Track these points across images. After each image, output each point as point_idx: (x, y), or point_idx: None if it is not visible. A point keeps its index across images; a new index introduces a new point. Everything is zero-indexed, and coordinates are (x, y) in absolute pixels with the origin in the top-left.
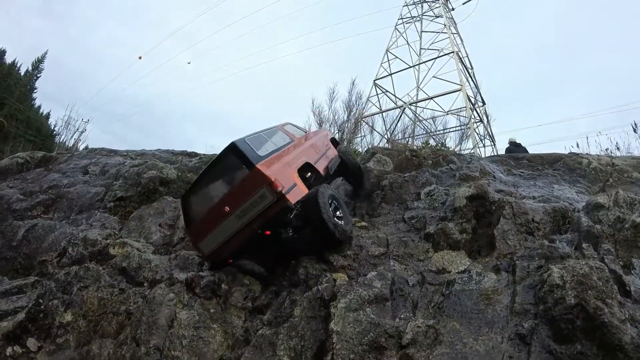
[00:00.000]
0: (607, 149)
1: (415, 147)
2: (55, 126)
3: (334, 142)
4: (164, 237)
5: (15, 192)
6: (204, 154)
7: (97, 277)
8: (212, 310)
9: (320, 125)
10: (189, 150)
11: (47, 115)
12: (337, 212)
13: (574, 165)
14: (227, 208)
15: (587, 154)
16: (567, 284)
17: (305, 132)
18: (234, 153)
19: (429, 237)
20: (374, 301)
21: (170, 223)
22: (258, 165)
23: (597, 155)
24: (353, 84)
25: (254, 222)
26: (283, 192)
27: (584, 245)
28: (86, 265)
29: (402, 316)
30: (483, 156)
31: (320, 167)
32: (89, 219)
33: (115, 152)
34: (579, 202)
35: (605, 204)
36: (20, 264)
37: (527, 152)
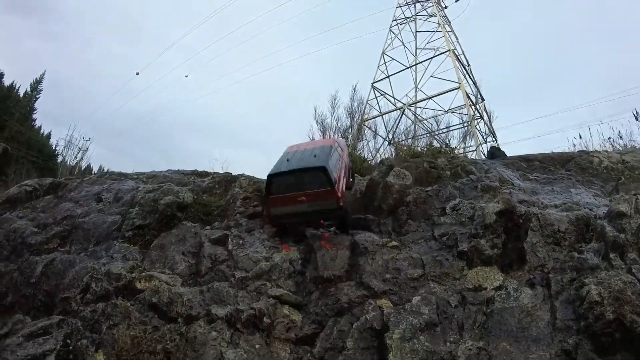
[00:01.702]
0: (609, 138)
1: (420, 149)
2: (56, 146)
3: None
4: (190, 267)
5: (28, 224)
6: (215, 173)
7: (127, 314)
8: (257, 346)
9: (323, 133)
10: (199, 169)
11: (48, 136)
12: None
13: (586, 165)
14: (303, 198)
15: (596, 151)
16: (605, 300)
17: (342, 150)
18: (325, 174)
19: (462, 255)
20: (425, 328)
21: (194, 251)
22: (335, 188)
23: (606, 151)
24: (355, 90)
25: (317, 212)
26: (342, 204)
27: (612, 255)
28: (113, 301)
29: (451, 339)
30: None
31: (347, 180)
32: (109, 250)
33: (125, 176)
34: (598, 207)
35: (627, 212)
36: (41, 302)
37: (506, 155)
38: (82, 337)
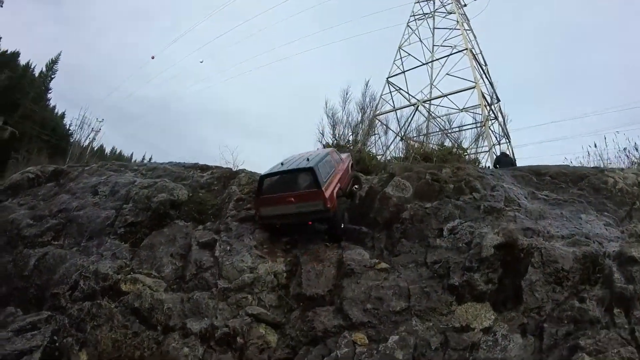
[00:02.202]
0: (625, 149)
1: (431, 147)
2: (70, 126)
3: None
4: (176, 271)
5: (25, 214)
6: (216, 167)
7: (110, 316)
8: None
9: (333, 127)
10: (201, 162)
11: (62, 115)
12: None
13: (599, 185)
14: (292, 199)
15: (611, 169)
16: None
17: (341, 159)
18: (312, 174)
19: (453, 289)
20: None
21: (182, 253)
22: (323, 188)
23: (621, 169)
24: (367, 85)
25: (306, 214)
26: (329, 206)
27: (616, 311)
28: (99, 302)
29: None
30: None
31: (343, 187)
32: (100, 246)
33: (125, 167)
34: (609, 241)
35: (639, 258)
36: (32, 295)
37: (514, 162)
38: (68, 335)
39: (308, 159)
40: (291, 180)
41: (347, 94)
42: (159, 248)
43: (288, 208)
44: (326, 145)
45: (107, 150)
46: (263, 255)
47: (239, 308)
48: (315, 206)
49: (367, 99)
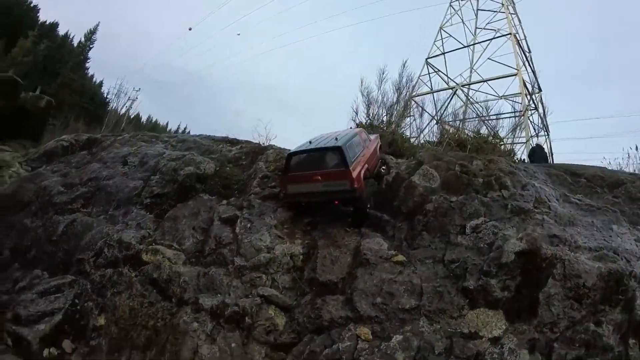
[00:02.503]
0: None
1: (467, 133)
2: (107, 94)
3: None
4: (197, 244)
5: (58, 181)
6: (245, 142)
7: (130, 284)
8: (233, 345)
9: (368, 106)
10: (231, 136)
11: (100, 84)
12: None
13: (636, 195)
14: (319, 177)
15: None
16: None
17: (370, 140)
18: (340, 153)
19: (467, 292)
20: None
21: (204, 227)
22: (350, 168)
23: None
24: (404, 66)
25: (332, 193)
26: (356, 186)
27: (631, 341)
28: (120, 269)
29: None
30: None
31: (372, 169)
32: (126, 215)
33: (157, 138)
34: (638, 258)
35: None
36: (60, 259)
37: (547, 156)
38: (89, 299)
39: (337, 138)
40: (319, 158)
41: (383, 73)
42: (182, 220)
43: (315, 186)
44: (359, 125)
45: (144, 118)
46: (282, 236)
47: (253, 287)
48: (342, 186)
49: (404, 80)
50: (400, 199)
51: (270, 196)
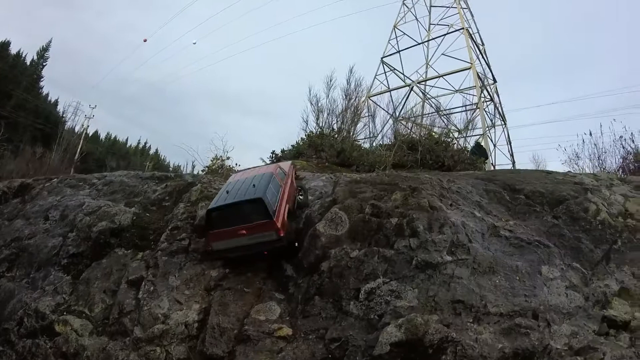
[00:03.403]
0: (621, 137)
1: (418, 135)
2: (64, 113)
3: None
4: (105, 310)
5: None
6: (173, 179)
7: (46, 357)
8: None
9: (317, 115)
10: (159, 173)
11: (55, 103)
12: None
13: (579, 214)
14: (244, 231)
15: (597, 188)
16: None
17: (286, 174)
18: (261, 204)
19: None
20: None
21: (114, 289)
22: (274, 219)
23: (610, 188)
24: (351, 72)
25: (259, 245)
26: (283, 235)
27: None
28: (37, 341)
29: None
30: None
31: (291, 206)
32: (45, 279)
33: (84, 181)
34: (563, 317)
35: None
36: None
37: (487, 155)
38: None
39: (254, 185)
40: (240, 211)
41: (330, 80)
42: (94, 283)
43: (240, 241)
44: (309, 135)
45: (102, 135)
46: (180, 300)
47: None
48: (269, 237)
49: (352, 85)
50: (304, 250)
51: (179, 250)
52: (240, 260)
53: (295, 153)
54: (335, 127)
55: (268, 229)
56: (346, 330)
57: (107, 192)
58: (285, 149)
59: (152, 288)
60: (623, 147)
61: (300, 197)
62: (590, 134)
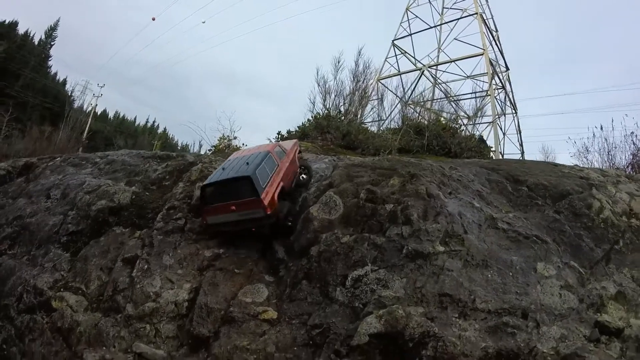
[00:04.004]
0: (632, 133)
1: (426, 120)
2: (72, 92)
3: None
4: (100, 287)
5: None
6: (175, 158)
7: (42, 331)
8: None
9: (324, 97)
10: (161, 152)
11: (64, 82)
12: (289, 216)
13: (581, 210)
14: (233, 207)
15: (602, 184)
16: None
17: (285, 152)
18: (249, 182)
19: None
20: None
21: (111, 266)
22: (262, 196)
23: (615, 190)
24: (359, 53)
25: (247, 221)
26: (269, 212)
27: None
28: (35, 316)
29: None
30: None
31: (287, 185)
32: (45, 256)
33: (87, 160)
34: (554, 319)
35: None
36: None
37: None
38: (13, 344)
39: (247, 163)
40: (231, 188)
41: (339, 62)
42: (91, 260)
43: (231, 216)
44: (315, 116)
45: (111, 114)
46: (172, 280)
47: (137, 338)
48: (257, 213)
49: (361, 67)
50: (297, 233)
51: (174, 230)
52: (234, 240)
53: (300, 134)
54: (342, 109)
55: (256, 206)
56: (329, 317)
57: (109, 170)
58: (292, 130)
59: (146, 266)
60: (634, 144)
61: (304, 176)
62: (601, 128)
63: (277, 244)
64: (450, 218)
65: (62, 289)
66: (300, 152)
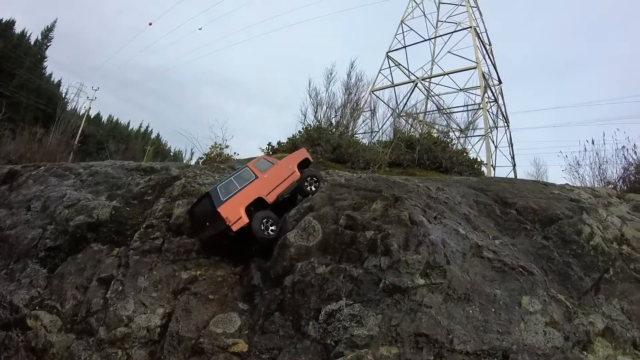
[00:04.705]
0: (623, 147)
1: (417, 133)
2: (66, 94)
3: (305, 163)
4: (75, 307)
5: None
6: (161, 169)
7: (17, 349)
8: None
9: (316, 109)
10: (145, 165)
11: (59, 84)
12: (270, 225)
13: (571, 236)
14: (207, 223)
15: (594, 208)
16: None
17: (275, 163)
18: (209, 198)
19: None
20: None
21: (86, 285)
22: (219, 208)
23: (606, 214)
24: (352, 66)
25: (218, 235)
26: (230, 224)
27: None
28: (10, 334)
29: None
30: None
31: (271, 197)
32: (22, 271)
33: (70, 170)
34: (539, 358)
35: None
36: None
37: None
38: None
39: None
40: (203, 206)
41: (331, 73)
42: (67, 278)
43: (208, 231)
44: (306, 128)
45: (104, 118)
46: (145, 303)
47: None
48: (221, 226)
49: (353, 79)
50: (273, 259)
51: (151, 250)
52: (213, 261)
53: (291, 146)
54: (333, 121)
55: (218, 219)
56: (299, 354)
57: (91, 182)
58: (282, 141)
59: (120, 288)
60: (625, 158)
61: (315, 186)
62: (593, 142)
63: (254, 269)
64: (432, 248)
65: (37, 307)
66: (309, 160)
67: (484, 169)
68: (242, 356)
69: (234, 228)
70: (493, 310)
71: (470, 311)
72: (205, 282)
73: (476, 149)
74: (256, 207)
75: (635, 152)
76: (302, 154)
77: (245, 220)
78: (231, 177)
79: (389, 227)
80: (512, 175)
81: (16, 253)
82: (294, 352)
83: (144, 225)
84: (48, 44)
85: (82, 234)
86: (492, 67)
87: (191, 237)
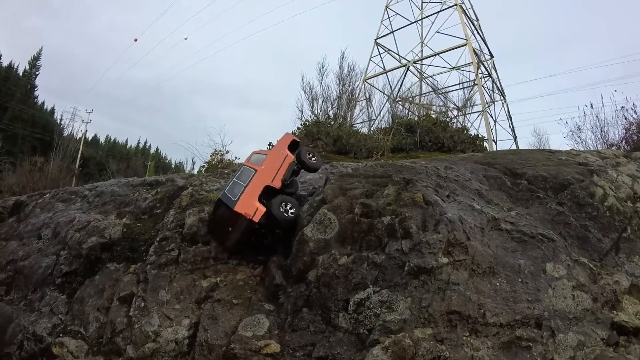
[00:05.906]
0: (622, 107)
1: (416, 115)
2: (61, 120)
3: (294, 145)
4: (99, 329)
5: None
6: (166, 181)
7: None
8: None
9: (312, 103)
10: (150, 179)
11: (52, 111)
12: (289, 208)
13: (584, 199)
14: (230, 228)
15: (603, 170)
16: None
17: (266, 155)
18: (222, 204)
19: None
20: None
21: (108, 305)
22: (235, 208)
23: (616, 174)
24: (343, 56)
25: (244, 233)
26: (250, 217)
27: None
28: None
29: None
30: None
31: (276, 183)
32: (41, 300)
33: (76, 194)
34: (570, 323)
35: None
36: None
37: None
38: None
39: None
40: (221, 212)
41: (323, 67)
42: (87, 301)
43: (233, 234)
44: (305, 123)
45: (102, 139)
46: (170, 316)
47: None
48: (243, 223)
49: (346, 70)
50: (293, 256)
51: (168, 262)
52: (230, 267)
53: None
54: (330, 113)
55: (237, 217)
56: (334, 347)
57: (98, 203)
58: None
59: (142, 304)
60: (625, 118)
61: (314, 159)
62: (592, 106)
63: (274, 268)
64: (451, 225)
65: (61, 334)
66: (296, 141)
67: (486, 144)
68: (276, 357)
69: (255, 219)
70: (519, 280)
71: (497, 284)
72: (227, 288)
73: (475, 126)
74: (267, 196)
75: (635, 112)
76: (288, 137)
77: (262, 209)
78: (234, 179)
79: (405, 210)
80: (514, 148)
81: (32, 283)
82: (329, 346)
83: (157, 239)
84: (37, 73)
85: (96, 255)
86: (482, 42)
87: (206, 244)
